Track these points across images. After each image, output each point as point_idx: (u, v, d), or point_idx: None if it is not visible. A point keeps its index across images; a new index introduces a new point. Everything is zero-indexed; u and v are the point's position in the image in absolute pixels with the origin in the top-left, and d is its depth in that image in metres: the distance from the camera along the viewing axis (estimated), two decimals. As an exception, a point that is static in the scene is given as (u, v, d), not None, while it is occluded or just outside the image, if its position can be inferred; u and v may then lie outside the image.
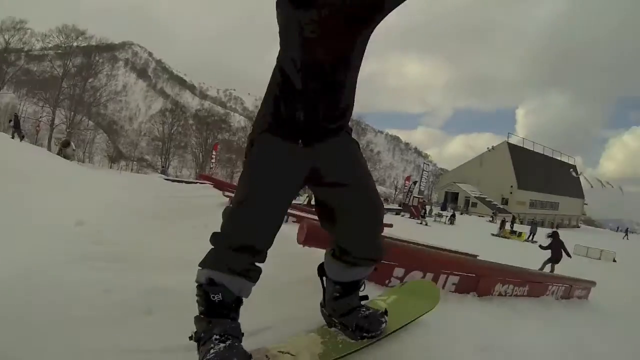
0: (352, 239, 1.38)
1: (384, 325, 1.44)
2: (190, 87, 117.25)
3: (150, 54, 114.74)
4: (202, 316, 1.19)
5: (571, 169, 55.42)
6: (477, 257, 10.38)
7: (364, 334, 1.41)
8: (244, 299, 1.24)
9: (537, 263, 13.62)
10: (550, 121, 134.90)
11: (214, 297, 1.17)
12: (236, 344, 1.15)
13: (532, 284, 3.86)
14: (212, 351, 1.10)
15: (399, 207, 32.36)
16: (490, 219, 33.93)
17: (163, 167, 43.23)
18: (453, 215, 28.21)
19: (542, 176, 48.75)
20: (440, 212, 32.30)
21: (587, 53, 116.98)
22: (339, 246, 1.41)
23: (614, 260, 17.65)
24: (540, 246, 11.43)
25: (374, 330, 1.41)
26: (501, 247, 17.60)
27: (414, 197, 34.82)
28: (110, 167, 40.08)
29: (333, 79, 1.24)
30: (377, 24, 1.25)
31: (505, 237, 22.77)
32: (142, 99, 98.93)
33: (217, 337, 1.13)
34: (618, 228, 63.26)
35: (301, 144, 1.25)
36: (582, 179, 55.55)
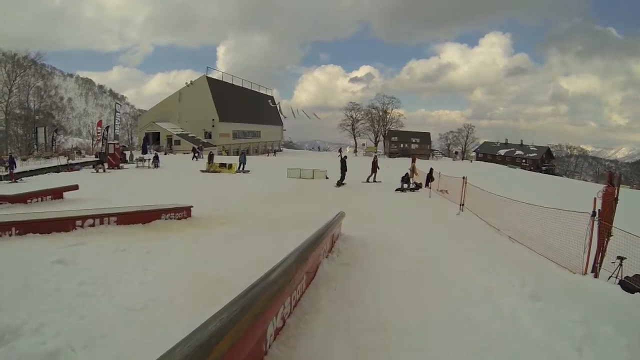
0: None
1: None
2: None
3: None
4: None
5: (269, 100, 62.99)
6: (192, 207, 8.93)
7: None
8: None
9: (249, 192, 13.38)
10: (249, 58, 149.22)
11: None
12: None
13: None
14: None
15: (96, 159, 28.00)
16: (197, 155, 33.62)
17: None
18: (156, 158, 26.06)
19: (243, 108, 52.98)
20: (142, 156, 29.37)
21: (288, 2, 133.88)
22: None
23: (327, 177, 18.95)
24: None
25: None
26: (216, 185, 16.15)
27: (109, 143, 30.75)
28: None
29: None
30: None
31: (216, 172, 22.15)
32: None
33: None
34: (317, 148, 79.60)
35: None
36: (279, 108, 64.51)
